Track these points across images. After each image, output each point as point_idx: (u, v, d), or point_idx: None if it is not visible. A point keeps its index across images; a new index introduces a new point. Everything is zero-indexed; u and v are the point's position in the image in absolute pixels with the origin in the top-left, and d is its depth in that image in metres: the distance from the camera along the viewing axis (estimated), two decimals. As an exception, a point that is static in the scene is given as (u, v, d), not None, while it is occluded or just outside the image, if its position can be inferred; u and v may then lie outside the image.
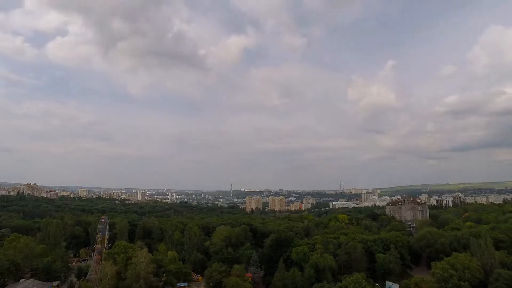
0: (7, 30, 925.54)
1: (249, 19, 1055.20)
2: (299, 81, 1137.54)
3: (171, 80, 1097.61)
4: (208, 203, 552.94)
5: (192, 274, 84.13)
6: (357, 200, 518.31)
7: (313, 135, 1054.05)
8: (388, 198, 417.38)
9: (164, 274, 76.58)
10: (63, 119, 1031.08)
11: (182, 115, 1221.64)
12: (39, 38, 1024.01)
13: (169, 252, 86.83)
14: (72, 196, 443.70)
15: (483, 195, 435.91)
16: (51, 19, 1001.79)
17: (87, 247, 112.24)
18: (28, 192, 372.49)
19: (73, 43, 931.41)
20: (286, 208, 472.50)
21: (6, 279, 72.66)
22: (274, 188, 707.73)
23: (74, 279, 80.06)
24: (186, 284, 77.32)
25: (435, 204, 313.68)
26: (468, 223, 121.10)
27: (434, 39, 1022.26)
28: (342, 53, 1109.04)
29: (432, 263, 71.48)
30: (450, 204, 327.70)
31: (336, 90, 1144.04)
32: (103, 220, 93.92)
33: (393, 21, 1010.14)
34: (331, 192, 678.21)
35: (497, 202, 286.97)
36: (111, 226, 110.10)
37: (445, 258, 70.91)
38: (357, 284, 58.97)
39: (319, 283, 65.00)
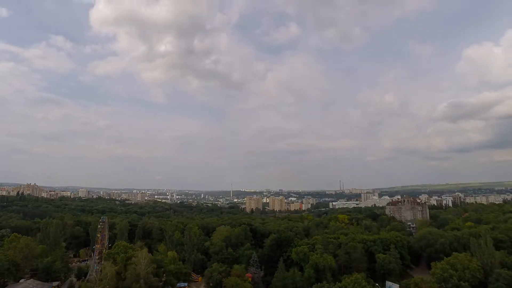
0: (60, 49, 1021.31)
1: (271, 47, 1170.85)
2: (306, 85, 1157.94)
3: (190, 87, 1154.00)
4: (208, 203, 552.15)
5: (192, 274, 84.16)
6: (357, 200, 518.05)
7: (314, 136, 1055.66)
8: (388, 198, 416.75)
9: (164, 274, 76.55)
10: (75, 122, 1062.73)
11: (190, 117, 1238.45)
12: (85, 55, 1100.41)
13: (169, 253, 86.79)
14: (72, 196, 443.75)
15: (483, 195, 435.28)
16: (106, 39, 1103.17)
17: (87, 247, 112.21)
18: (28, 192, 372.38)
19: (118, 60, 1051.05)
20: (286, 208, 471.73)
21: (6, 279, 72.64)
22: (274, 188, 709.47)
23: (74, 279, 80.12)
24: (186, 284, 77.39)
25: (435, 204, 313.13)
26: (468, 223, 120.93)
27: (434, 49, 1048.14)
28: (351, 62, 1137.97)
29: (432, 263, 71.45)
30: (450, 204, 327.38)
31: (342, 94, 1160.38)
32: (103, 220, 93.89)
33: (396, 36, 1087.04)
34: (331, 192, 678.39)
35: (497, 202, 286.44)
36: (111, 226, 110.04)
37: (445, 258, 70.91)
38: (357, 284, 58.98)
39: (319, 283, 65.02)
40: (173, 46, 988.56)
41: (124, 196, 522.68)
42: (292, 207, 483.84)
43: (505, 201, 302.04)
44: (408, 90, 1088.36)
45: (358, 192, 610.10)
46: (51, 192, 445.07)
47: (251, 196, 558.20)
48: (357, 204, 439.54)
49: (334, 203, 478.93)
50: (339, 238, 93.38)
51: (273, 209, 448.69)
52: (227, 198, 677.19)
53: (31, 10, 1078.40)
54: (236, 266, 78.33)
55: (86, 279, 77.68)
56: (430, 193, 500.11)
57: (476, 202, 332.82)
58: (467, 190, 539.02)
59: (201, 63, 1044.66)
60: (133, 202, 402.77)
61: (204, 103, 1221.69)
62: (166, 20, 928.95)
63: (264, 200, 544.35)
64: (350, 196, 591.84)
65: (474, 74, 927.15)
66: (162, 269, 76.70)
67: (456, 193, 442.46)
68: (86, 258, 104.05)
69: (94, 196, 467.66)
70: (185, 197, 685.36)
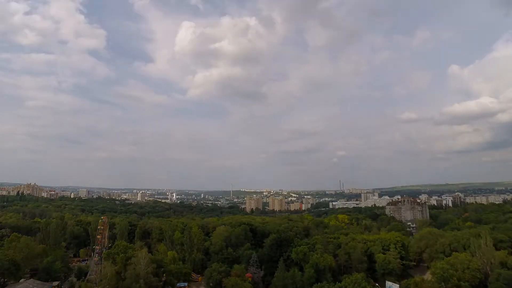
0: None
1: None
2: (315, 90, 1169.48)
3: (214, 97, 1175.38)
4: (208, 203, 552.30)
5: (192, 274, 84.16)
6: (357, 200, 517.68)
7: (317, 137, 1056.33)
8: (388, 198, 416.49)
9: (164, 274, 76.60)
10: (91, 124, 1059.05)
11: (200, 119, 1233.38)
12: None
13: (169, 252, 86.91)
14: (72, 196, 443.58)
15: (483, 195, 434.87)
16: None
17: (87, 247, 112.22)
18: (28, 192, 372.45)
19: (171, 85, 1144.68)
20: (286, 208, 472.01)
21: (6, 279, 72.68)
22: (274, 188, 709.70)
23: (74, 279, 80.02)
24: (186, 284, 77.36)
25: (435, 204, 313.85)
26: (468, 223, 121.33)
27: (436, 56, 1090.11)
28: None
29: (432, 263, 71.56)
30: (450, 204, 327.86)
31: (347, 100, 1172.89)
32: (103, 220, 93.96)
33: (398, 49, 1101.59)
34: (331, 192, 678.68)
35: (497, 202, 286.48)
36: (111, 226, 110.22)
37: (445, 258, 70.96)
38: (357, 284, 59.06)
39: (319, 283, 65.07)
40: (222, 72, 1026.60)
41: (124, 196, 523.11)
42: (292, 207, 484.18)
43: (505, 201, 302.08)
44: (410, 100, 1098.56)
45: (358, 192, 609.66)
46: (51, 192, 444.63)
47: (251, 196, 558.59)
48: (357, 204, 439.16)
49: (334, 203, 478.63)
50: (339, 238, 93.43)
51: (273, 209, 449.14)
52: (227, 198, 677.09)
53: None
54: (236, 266, 78.38)
55: (86, 279, 77.73)
56: (430, 193, 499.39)
57: (476, 202, 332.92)
58: (467, 190, 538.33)
59: (241, 86, 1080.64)
60: (133, 202, 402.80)
61: (216, 107, 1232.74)
62: (229, 52, 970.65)
63: (264, 200, 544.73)
64: (350, 196, 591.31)
65: (465, 87, 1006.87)
66: (162, 269, 76.73)
67: (456, 193, 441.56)
68: (86, 258, 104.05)
69: (94, 196, 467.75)
70: (185, 197, 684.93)
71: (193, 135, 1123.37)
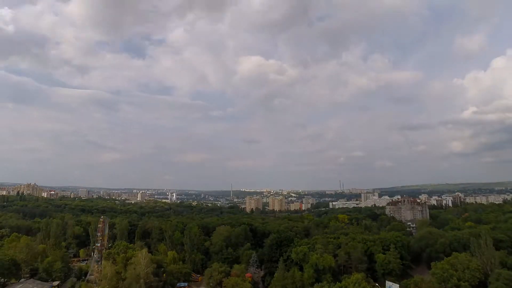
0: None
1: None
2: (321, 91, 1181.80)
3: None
4: (208, 203, 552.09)
5: (192, 274, 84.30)
6: (357, 200, 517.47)
7: (321, 139, 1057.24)
8: (388, 198, 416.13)
9: (164, 274, 76.68)
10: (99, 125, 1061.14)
11: (207, 121, 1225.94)
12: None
13: (169, 252, 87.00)
14: (72, 196, 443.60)
15: (483, 195, 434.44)
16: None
17: (87, 247, 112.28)
18: (28, 192, 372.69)
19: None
20: (286, 208, 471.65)
21: (6, 279, 72.74)
22: (274, 188, 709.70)
23: (74, 279, 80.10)
24: (186, 284, 77.55)
25: (435, 204, 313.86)
26: (468, 223, 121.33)
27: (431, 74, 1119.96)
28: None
29: (432, 263, 71.59)
30: (450, 204, 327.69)
31: (352, 103, 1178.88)
32: (102, 220, 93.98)
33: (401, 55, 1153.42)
34: (331, 192, 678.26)
35: (497, 202, 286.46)
36: (111, 226, 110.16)
37: (445, 258, 71.03)
38: (357, 284, 59.08)
39: (319, 283, 65.11)
40: (266, 93, 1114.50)
41: (124, 196, 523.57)
42: (292, 207, 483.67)
43: (505, 201, 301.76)
44: (410, 107, 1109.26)
45: (358, 192, 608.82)
46: (51, 192, 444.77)
47: (251, 196, 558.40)
48: (357, 204, 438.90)
49: (334, 203, 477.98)
50: (339, 238, 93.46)
51: (273, 209, 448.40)
52: (227, 198, 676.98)
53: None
54: (236, 266, 78.53)
55: (86, 279, 77.79)
56: (430, 193, 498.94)
57: (476, 202, 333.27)
58: (467, 190, 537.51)
59: (273, 100, 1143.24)
60: (133, 202, 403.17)
61: (240, 113, 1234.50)
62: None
63: (264, 200, 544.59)
64: (350, 196, 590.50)
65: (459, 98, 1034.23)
66: (162, 269, 76.92)
67: (456, 193, 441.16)
68: (86, 258, 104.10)
69: (94, 196, 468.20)
70: (185, 197, 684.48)
71: (207, 137, 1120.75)
